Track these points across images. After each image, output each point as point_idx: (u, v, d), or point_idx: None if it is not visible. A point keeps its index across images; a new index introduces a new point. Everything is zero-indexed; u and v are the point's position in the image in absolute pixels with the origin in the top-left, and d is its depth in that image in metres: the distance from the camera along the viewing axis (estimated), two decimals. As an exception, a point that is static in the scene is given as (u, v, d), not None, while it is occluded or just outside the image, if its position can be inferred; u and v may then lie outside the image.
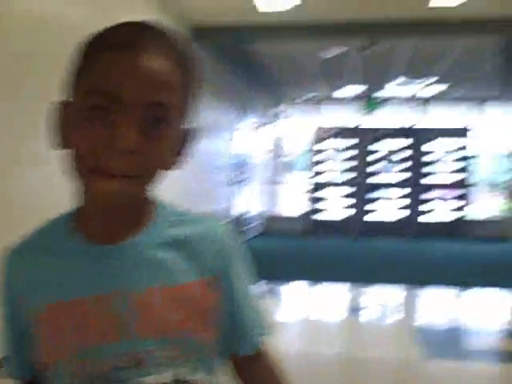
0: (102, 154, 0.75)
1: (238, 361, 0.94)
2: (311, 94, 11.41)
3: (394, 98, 11.84)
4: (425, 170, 12.10)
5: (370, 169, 12.12)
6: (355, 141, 12.07)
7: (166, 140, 0.79)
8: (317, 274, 6.96)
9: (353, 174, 12.15)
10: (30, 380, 0.92)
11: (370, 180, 12.12)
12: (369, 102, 11.71)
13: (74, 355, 0.79)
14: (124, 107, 0.74)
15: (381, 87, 10.88)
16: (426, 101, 12.01)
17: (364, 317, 5.47)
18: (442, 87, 10.86)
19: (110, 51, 0.75)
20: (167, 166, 0.83)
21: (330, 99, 11.95)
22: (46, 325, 0.81)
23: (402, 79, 10.13)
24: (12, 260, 0.87)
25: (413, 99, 11.97)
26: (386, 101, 11.78)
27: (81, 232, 0.84)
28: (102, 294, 0.80)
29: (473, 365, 3.95)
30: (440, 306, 5.96)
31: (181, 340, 0.82)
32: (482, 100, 11.74)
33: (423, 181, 12.06)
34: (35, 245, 0.87)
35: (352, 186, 12.16)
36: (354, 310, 5.52)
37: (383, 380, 3.62)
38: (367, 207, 12.09)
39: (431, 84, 10.58)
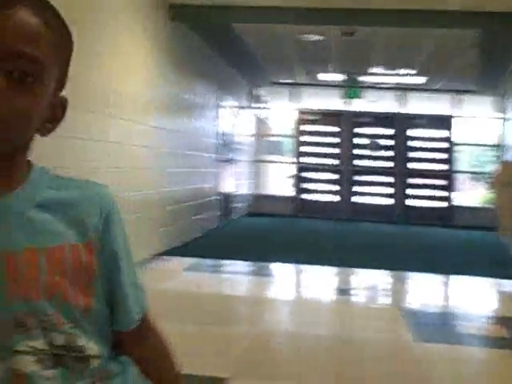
0: None
1: (121, 338, 0.91)
2: (295, 77, 11.41)
3: (374, 87, 11.85)
4: (409, 156, 12.24)
5: (355, 152, 12.33)
6: (338, 126, 12.22)
7: (32, 96, 0.76)
8: (303, 255, 6.95)
9: (336, 160, 12.33)
10: None
11: (355, 164, 12.32)
12: (350, 89, 11.72)
13: None
14: None
15: (360, 75, 10.88)
16: (406, 90, 12.03)
17: (354, 299, 5.43)
18: (421, 79, 10.88)
19: None
20: (34, 126, 0.80)
21: (312, 84, 11.93)
22: None
23: (380, 69, 10.16)
24: None
25: (392, 88, 12.01)
26: (366, 88, 11.79)
27: None
28: None
29: (462, 349, 3.95)
30: (429, 291, 5.97)
31: (57, 303, 0.79)
32: (460, 92, 11.77)
33: (408, 167, 12.23)
34: None
35: (335, 171, 12.33)
36: (344, 291, 5.47)
37: (375, 361, 3.58)
38: (354, 190, 12.34)
39: (409, 75, 10.59)
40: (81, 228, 0.82)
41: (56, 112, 0.84)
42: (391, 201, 12.30)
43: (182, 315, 4.34)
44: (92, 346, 0.83)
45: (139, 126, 5.92)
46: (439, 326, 4.50)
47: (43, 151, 3.93)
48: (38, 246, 0.78)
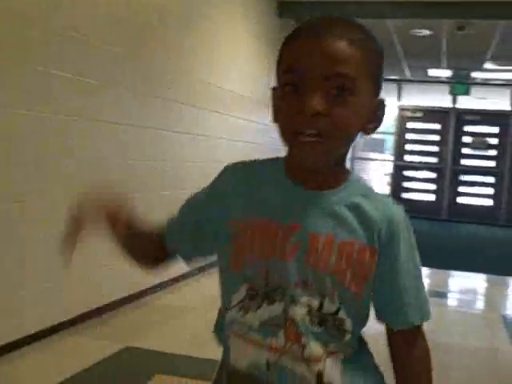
0: (295, 120, 0.94)
1: (393, 337, 1.06)
2: (402, 73, 11.17)
3: (484, 83, 11.40)
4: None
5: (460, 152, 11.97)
6: (440, 124, 11.88)
7: (350, 105, 0.94)
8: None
9: (435, 158, 12.03)
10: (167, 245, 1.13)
11: (458, 164, 11.97)
12: (456, 84, 11.33)
13: (263, 261, 0.99)
14: (308, 80, 0.92)
15: (472, 71, 10.50)
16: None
17: (449, 302, 5.27)
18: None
19: (299, 38, 0.96)
20: (354, 131, 0.98)
21: (419, 80, 11.65)
22: (239, 234, 1.01)
23: (490, 64, 9.75)
24: (230, 170, 1.08)
25: (504, 85, 11.50)
26: (475, 84, 11.36)
27: (289, 174, 1.03)
28: (291, 224, 0.99)
29: None
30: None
31: (336, 282, 0.98)
32: None
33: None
34: (254, 170, 1.07)
35: (435, 169, 12.03)
36: (439, 294, 5.31)
37: (471, 367, 3.47)
38: (458, 190, 12.05)
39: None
40: (370, 233, 0.99)
41: (375, 114, 1.01)
42: (491, 202, 11.87)
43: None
44: (349, 324, 1.00)
45: (242, 121, 6.02)
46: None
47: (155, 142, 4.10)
48: (333, 235, 0.98)
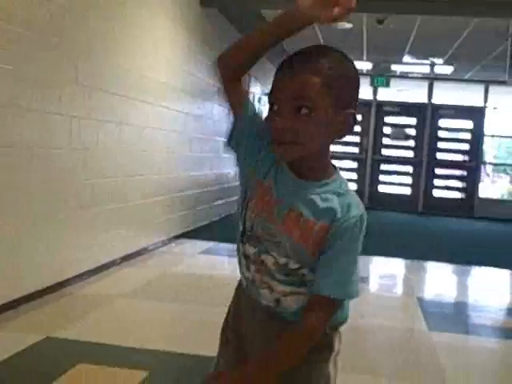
0: (272, 132, 1.25)
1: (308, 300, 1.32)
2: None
3: (403, 76, 11.76)
4: (437, 146, 12.24)
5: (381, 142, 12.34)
6: (361, 115, 12.19)
7: (311, 121, 1.22)
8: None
9: (357, 148, 12.34)
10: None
11: (379, 154, 12.34)
12: (376, 77, 11.64)
13: (254, 213, 1.33)
14: (279, 100, 1.24)
15: (388, 64, 10.80)
16: (434, 80, 11.92)
17: (370, 286, 5.44)
18: (449, 68, 10.76)
19: (280, 70, 1.26)
20: (320, 140, 1.27)
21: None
22: (253, 185, 1.35)
23: (408, 58, 10.08)
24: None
25: (421, 78, 11.91)
26: (392, 77, 11.70)
27: (289, 167, 1.32)
28: (280, 198, 1.30)
29: (477, 339, 3.97)
30: (445, 281, 5.99)
31: (299, 247, 1.28)
32: (489, 82, 11.63)
33: (437, 157, 12.27)
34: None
35: (356, 159, 12.37)
36: (361, 279, 5.45)
37: (387, 348, 3.61)
38: (379, 179, 12.43)
39: (438, 64, 10.49)
40: (330, 221, 1.26)
41: (342, 126, 1.27)
42: (410, 190, 12.38)
43: (193, 296, 4.42)
44: (311, 276, 1.29)
45: (167, 110, 5.98)
46: (455, 316, 4.50)
47: (88, 134, 4.03)
48: (305, 215, 1.27)
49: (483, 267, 6.49)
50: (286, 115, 1.22)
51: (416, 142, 12.31)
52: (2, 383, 2.68)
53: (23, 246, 3.74)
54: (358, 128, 12.41)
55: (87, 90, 4.35)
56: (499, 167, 13.58)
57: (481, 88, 11.83)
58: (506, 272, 6.39)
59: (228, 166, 8.58)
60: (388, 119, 12.50)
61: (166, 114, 6.01)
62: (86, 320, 3.67)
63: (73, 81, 4.16)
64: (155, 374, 2.91)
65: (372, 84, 11.67)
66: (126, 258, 5.27)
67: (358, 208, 1.29)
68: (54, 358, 3.05)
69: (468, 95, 12.18)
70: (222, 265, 5.81)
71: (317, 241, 1.27)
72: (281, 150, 1.26)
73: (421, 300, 4.78)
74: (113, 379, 2.82)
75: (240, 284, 1.47)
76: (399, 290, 5.63)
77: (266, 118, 1.29)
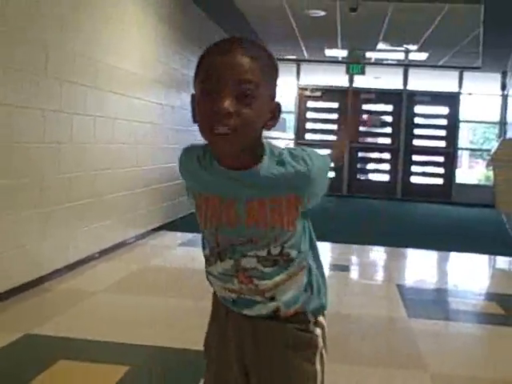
0: (211, 119, 1.18)
1: None
2: (300, 54, 11.33)
3: (378, 63, 11.79)
4: (413, 133, 12.31)
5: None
6: (338, 102, 12.20)
7: (254, 107, 1.19)
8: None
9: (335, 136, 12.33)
10: None
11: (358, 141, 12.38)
12: (351, 64, 11.65)
13: (213, 228, 1.32)
14: (221, 86, 1.17)
15: (365, 51, 10.82)
16: (409, 66, 11.98)
17: (350, 274, 5.47)
18: (423, 55, 10.81)
19: (212, 54, 1.22)
20: (258, 126, 1.24)
21: (317, 60, 11.87)
22: (200, 204, 1.33)
23: (382, 45, 10.11)
24: (182, 156, 1.38)
25: (396, 65, 11.96)
26: (368, 64, 11.73)
27: (219, 162, 1.29)
28: (230, 198, 1.28)
29: (456, 325, 4.01)
30: (425, 267, 6.03)
31: (276, 230, 1.28)
32: (463, 69, 11.71)
33: (413, 143, 12.36)
34: (196, 153, 1.33)
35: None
36: (341, 267, 5.48)
37: (367, 335, 3.63)
38: (357, 167, 12.52)
39: (412, 51, 10.53)
40: (291, 187, 1.27)
41: (273, 114, 1.28)
42: (388, 177, 12.45)
43: (173, 289, 4.41)
44: (294, 253, 1.32)
45: (140, 101, 5.92)
46: (434, 303, 4.54)
47: (51, 125, 3.97)
48: (266, 197, 1.27)
49: (462, 253, 6.55)
50: (230, 100, 1.17)
51: (393, 128, 12.38)
52: (-19, 383, 2.65)
53: (-1, 243, 3.69)
54: (335, 116, 12.46)
55: (57, 82, 4.29)
56: (475, 152, 13.71)
57: (455, 74, 11.92)
58: (484, 257, 6.47)
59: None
60: (365, 106, 12.53)
61: (140, 106, 5.96)
62: (66, 316, 3.64)
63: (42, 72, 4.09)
64: (137, 368, 2.89)
65: (348, 72, 11.69)
66: (105, 252, 5.23)
67: (299, 150, 1.30)
68: (34, 355, 3.02)
69: (443, 81, 12.26)
70: (201, 257, 5.79)
71: (290, 212, 1.28)
72: (221, 141, 1.20)
73: (400, 287, 4.81)
74: (94, 375, 2.80)
75: (218, 313, 1.45)
76: (379, 277, 5.66)
77: (198, 105, 1.23)
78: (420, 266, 6.08)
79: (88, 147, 4.81)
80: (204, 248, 1.39)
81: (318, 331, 1.39)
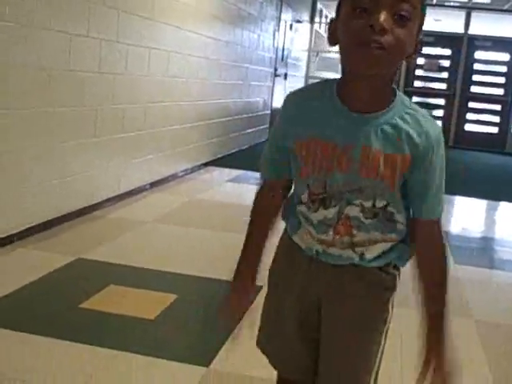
0: (362, 34, 1.11)
1: (420, 227, 1.31)
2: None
3: (437, 4, 11.37)
4: (471, 79, 11.94)
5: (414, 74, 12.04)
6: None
7: (407, 30, 1.14)
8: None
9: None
10: (274, 182, 1.45)
11: (411, 86, 12.06)
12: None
13: (321, 175, 1.26)
14: (378, 3, 1.11)
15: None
16: (470, 9, 11.50)
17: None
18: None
19: None
20: (406, 52, 1.17)
21: None
22: (306, 150, 1.26)
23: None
24: (289, 99, 1.34)
25: (457, 6, 11.50)
26: (429, 6, 11.31)
27: (340, 97, 1.24)
28: (347, 144, 1.22)
29: (501, 274, 4.00)
30: (473, 215, 5.97)
31: (384, 184, 1.23)
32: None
33: (470, 89, 11.98)
34: (308, 95, 1.31)
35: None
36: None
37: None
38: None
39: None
40: (408, 147, 1.21)
41: (416, 47, 1.20)
42: (441, 124, 12.10)
43: (221, 223, 4.48)
44: (398, 216, 1.29)
45: (196, 35, 5.87)
46: (481, 251, 4.51)
47: (106, 55, 4.01)
48: (383, 150, 1.21)
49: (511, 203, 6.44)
50: (387, 16, 1.11)
51: (449, 74, 12.01)
52: (35, 301, 2.78)
53: (55, 168, 3.79)
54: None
55: (115, 12, 4.28)
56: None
57: (521, 19, 11.42)
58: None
59: (257, 94, 8.50)
60: (423, 50, 12.16)
61: (195, 40, 5.92)
62: (116, 243, 3.75)
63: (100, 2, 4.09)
64: (183, 297, 2.98)
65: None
66: (155, 184, 5.33)
67: (431, 121, 1.25)
68: (85, 278, 3.14)
69: (506, 26, 11.76)
70: (249, 193, 5.84)
71: (402, 174, 1.23)
72: (369, 59, 1.13)
73: (447, 234, 4.78)
74: (143, 301, 2.90)
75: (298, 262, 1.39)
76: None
77: (344, 24, 1.17)
78: (468, 214, 6.01)
79: (142, 79, 4.83)
80: (300, 193, 1.33)
81: (397, 272, 1.43)
